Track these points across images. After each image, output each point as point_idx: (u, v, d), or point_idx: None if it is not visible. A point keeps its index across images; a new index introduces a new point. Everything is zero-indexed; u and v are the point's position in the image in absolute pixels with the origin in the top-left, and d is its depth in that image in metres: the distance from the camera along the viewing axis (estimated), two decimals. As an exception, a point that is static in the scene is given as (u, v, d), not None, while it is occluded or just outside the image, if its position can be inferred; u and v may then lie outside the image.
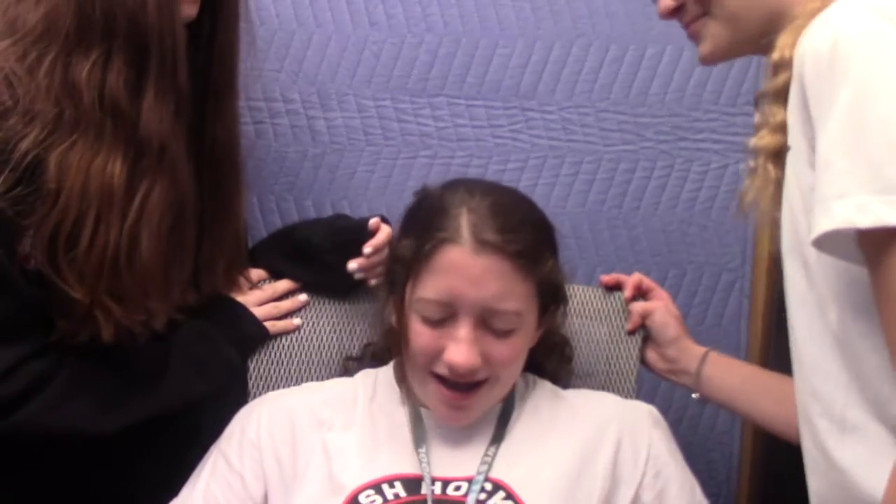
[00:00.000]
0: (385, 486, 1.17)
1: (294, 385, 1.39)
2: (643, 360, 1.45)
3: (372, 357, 1.39)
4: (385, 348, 1.36)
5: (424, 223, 1.21)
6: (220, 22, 1.29)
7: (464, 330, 1.16)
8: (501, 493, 1.17)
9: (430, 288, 1.17)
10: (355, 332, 1.46)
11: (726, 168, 1.66)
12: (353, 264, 1.39)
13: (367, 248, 1.37)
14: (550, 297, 1.26)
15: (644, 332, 1.45)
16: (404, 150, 1.64)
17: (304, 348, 1.44)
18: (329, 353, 1.45)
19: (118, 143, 1.14)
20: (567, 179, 1.66)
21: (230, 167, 1.34)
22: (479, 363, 1.17)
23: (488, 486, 1.18)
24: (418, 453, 1.20)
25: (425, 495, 1.16)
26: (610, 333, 1.46)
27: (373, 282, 1.42)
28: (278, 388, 1.39)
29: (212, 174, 1.30)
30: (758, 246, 1.67)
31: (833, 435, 0.93)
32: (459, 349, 1.15)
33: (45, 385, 1.17)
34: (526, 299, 1.20)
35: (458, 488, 1.18)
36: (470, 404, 1.20)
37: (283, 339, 1.43)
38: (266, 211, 1.63)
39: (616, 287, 1.48)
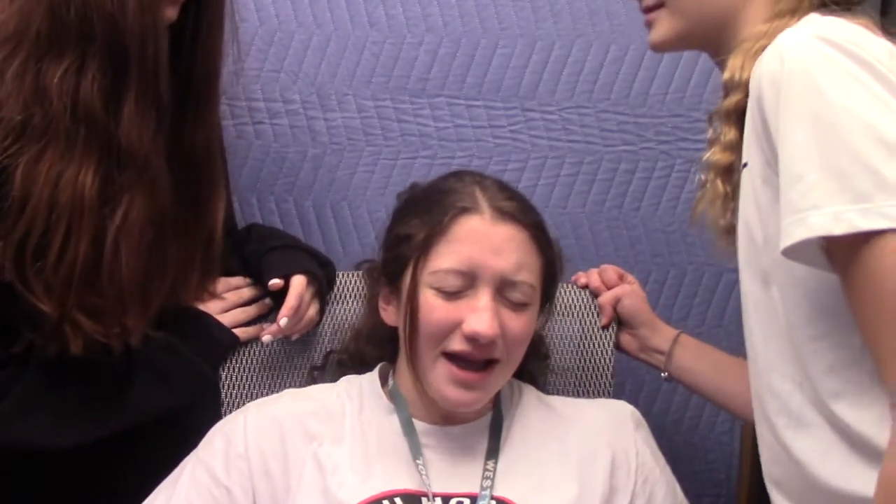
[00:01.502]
0: (385, 503, 1.15)
1: (268, 391, 1.36)
2: (617, 345, 1.46)
3: (338, 364, 1.36)
4: (353, 353, 1.34)
5: (434, 201, 1.21)
6: (204, 24, 1.24)
7: (484, 299, 1.15)
8: None
9: (449, 258, 1.16)
10: (327, 337, 1.43)
11: (727, 168, 1.66)
12: (266, 337, 1.33)
13: (282, 320, 1.30)
14: (549, 288, 1.26)
15: (616, 326, 1.45)
16: (404, 151, 1.64)
17: (276, 355, 1.40)
18: (301, 360, 1.42)
19: (91, 152, 1.10)
20: (567, 180, 1.65)
21: (208, 174, 1.29)
22: (499, 333, 1.15)
23: None
24: (416, 465, 1.17)
25: None
26: (582, 329, 1.45)
27: (294, 337, 1.37)
28: (252, 395, 1.36)
29: (189, 182, 1.24)
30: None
31: (790, 430, 1.03)
32: (481, 317, 1.13)
33: None
34: (538, 275, 1.20)
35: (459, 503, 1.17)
36: (482, 384, 1.17)
37: (255, 346, 1.39)
38: (266, 211, 1.63)
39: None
